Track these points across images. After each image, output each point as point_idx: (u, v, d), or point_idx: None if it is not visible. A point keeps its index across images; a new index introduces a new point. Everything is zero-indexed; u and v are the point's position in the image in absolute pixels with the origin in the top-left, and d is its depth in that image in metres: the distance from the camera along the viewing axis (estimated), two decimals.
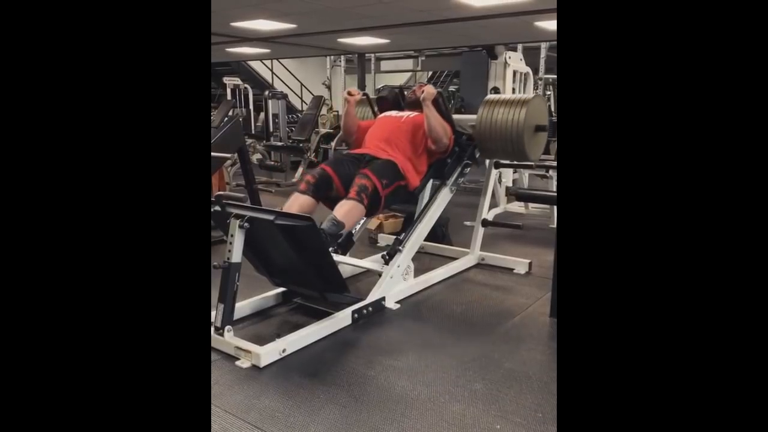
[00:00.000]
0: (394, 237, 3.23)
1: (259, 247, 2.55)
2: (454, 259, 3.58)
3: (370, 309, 2.73)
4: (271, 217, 2.27)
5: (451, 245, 3.91)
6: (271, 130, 8.03)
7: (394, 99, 3.42)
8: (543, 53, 7.99)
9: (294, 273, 2.68)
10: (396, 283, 2.93)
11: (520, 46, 7.71)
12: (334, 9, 4.69)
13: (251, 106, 8.86)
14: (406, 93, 3.40)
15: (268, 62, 11.47)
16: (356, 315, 2.64)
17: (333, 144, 7.17)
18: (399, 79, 11.64)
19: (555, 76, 8.21)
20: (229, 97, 8.79)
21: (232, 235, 2.32)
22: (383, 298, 2.83)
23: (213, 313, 2.33)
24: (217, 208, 2.44)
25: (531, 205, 5.13)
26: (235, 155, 4.57)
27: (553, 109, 7.32)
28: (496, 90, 6.65)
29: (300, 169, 7.04)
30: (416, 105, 3.11)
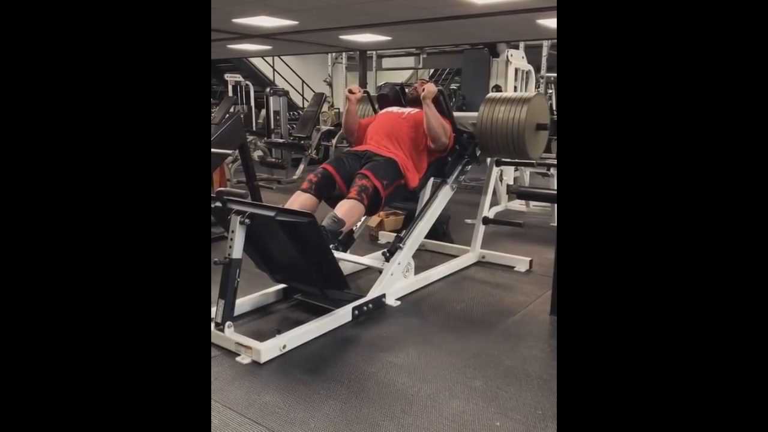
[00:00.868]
0: (395, 234, 3.24)
1: (260, 244, 2.55)
2: (455, 256, 3.58)
3: (371, 306, 2.73)
4: (272, 214, 2.27)
5: (452, 243, 3.91)
6: (272, 127, 8.02)
7: (395, 96, 3.41)
8: (545, 51, 7.97)
9: (295, 270, 2.69)
10: (396, 281, 2.93)
11: (521, 44, 7.69)
12: (335, 6, 4.69)
13: (252, 103, 8.85)
14: (407, 90, 3.39)
15: (269, 59, 11.46)
16: (356, 312, 2.64)
17: (334, 141, 7.17)
18: (400, 77, 11.62)
19: (557, 74, 8.19)
20: (230, 93, 8.78)
21: (233, 232, 2.32)
22: (384, 295, 2.83)
23: (214, 309, 2.34)
24: (219, 204, 2.44)
25: (532, 203, 5.12)
26: (237, 152, 4.57)
27: (554, 107, 7.31)
28: (497, 88, 6.64)
29: (301, 167, 7.04)
30: (417, 102, 3.11)
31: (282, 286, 2.89)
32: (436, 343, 2.39)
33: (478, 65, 7.12)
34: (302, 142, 7.11)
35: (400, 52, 10.70)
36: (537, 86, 7.42)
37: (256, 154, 7.13)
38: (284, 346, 2.26)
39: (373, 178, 2.75)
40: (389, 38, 6.89)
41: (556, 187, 4.49)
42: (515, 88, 6.67)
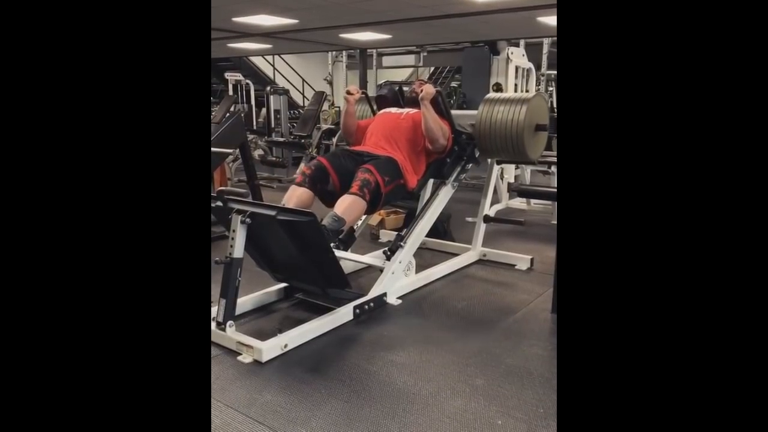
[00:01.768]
0: (396, 233, 3.24)
1: (261, 243, 2.55)
2: (456, 255, 3.58)
3: (372, 305, 2.73)
4: (273, 213, 2.27)
5: (453, 241, 3.91)
6: (273, 125, 8.03)
7: (393, 97, 3.39)
8: (545, 49, 7.96)
9: (296, 269, 2.69)
10: (397, 279, 2.93)
11: (522, 42, 7.68)
12: (335, 4, 4.68)
13: (253, 102, 8.85)
14: (405, 90, 3.37)
15: (269, 58, 11.46)
16: (358, 311, 2.64)
17: (334, 140, 7.16)
18: (401, 75, 11.62)
19: (557, 72, 8.18)
20: (230, 92, 8.78)
21: (234, 231, 2.32)
22: (385, 294, 2.83)
23: (215, 309, 2.34)
24: (219, 203, 2.44)
25: (533, 201, 5.12)
26: (237, 151, 4.57)
27: (555, 105, 7.30)
28: (498, 86, 6.63)
29: (302, 165, 7.03)
30: (416, 103, 3.08)
31: (283, 285, 2.89)
32: (437, 341, 2.39)
33: (478, 63, 7.12)
34: (303, 140, 7.11)
35: (401, 51, 10.69)
36: (537, 84, 7.41)
37: (257, 153, 7.14)
38: (285, 345, 2.26)
39: (376, 173, 2.72)
40: (389, 36, 6.88)
41: (556, 185, 4.49)
42: (516, 86, 6.65)
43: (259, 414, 1.82)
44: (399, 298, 2.90)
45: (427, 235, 3.28)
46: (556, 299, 2.75)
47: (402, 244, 2.97)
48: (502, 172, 5.36)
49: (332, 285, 2.65)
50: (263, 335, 2.33)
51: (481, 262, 3.62)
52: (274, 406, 1.87)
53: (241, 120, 4.49)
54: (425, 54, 10.54)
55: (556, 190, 3.06)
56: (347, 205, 2.63)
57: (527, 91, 7.11)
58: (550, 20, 5.36)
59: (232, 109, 7.22)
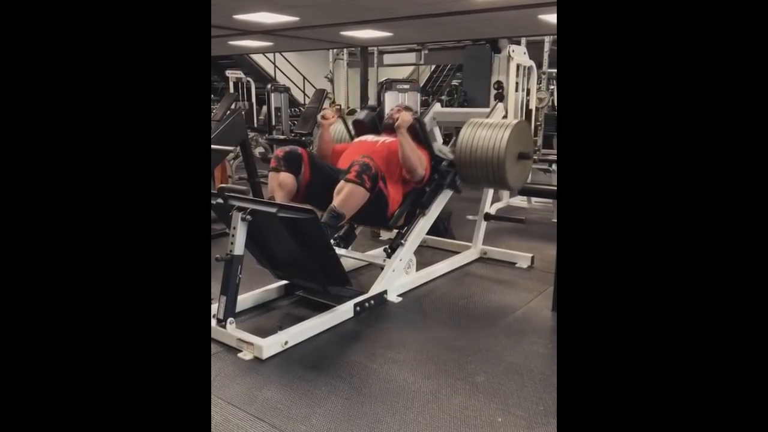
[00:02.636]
0: (397, 231, 3.23)
1: (262, 240, 2.56)
2: (457, 253, 3.58)
3: (372, 302, 2.73)
4: (274, 210, 2.27)
5: (454, 239, 3.91)
6: (274, 123, 8.02)
7: (371, 123, 3.25)
8: (546, 47, 7.95)
9: (296, 266, 2.69)
10: (398, 277, 2.93)
11: (523, 40, 7.68)
12: (336, 1, 4.68)
13: (254, 100, 8.85)
14: (385, 115, 3.21)
15: (270, 55, 11.45)
16: (358, 308, 2.64)
17: None
18: (402, 73, 11.61)
19: (557, 70, 8.17)
20: (231, 90, 8.79)
21: (234, 228, 2.32)
22: (385, 292, 2.83)
23: (216, 306, 2.34)
24: (220, 200, 2.44)
25: (534, 199, 5.12)
26: (238, 148, 4.57)
27: (555, 103, 7.29)
28: (499, 84, 6.62)
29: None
30: (393, 129, 2.90)
31: (284, 282, 2.89)
32: (437, 339, 2.39)
33: (479, 61, 7.11)
34: (303, 138, 7.11)
35: (402, 48, 10.68)
36: (539, 82, 7.39)
37: (258, 151, 7.13)
38: (286, 343, 2.26)
39: (375, 162, 2.60)
40: (390, 34, 6.88)
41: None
42: (517, 84, 6.64)
43: (259, 411, 1.83)
44: (399, 295, 2.90)
45: (427, 233, 3.28)
46: (556, 297, 2.75)
47: (403, 241, 2.97)
48: None
49: (333, 282, 2.65)
50: (264, 332, 2.33)
51: (482, 260, 3.62)
52: (274, 403, 1.87)
53: (241, 118, 4.49)
54: (426, 52, 10.54)
55: (556, 188, 3.05)
56: (345, 196, 2.51)
57: (528, 89, 7.11)
58: (552, 18, 5.35)
59: (233, 106, 7.21)
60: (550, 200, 4.76)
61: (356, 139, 3.19)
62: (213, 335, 2.31)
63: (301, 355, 2.22)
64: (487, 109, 3.55)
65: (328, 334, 2.44)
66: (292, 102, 10.18)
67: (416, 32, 6.86)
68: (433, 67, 12.41)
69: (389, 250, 2.96)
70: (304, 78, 12.20)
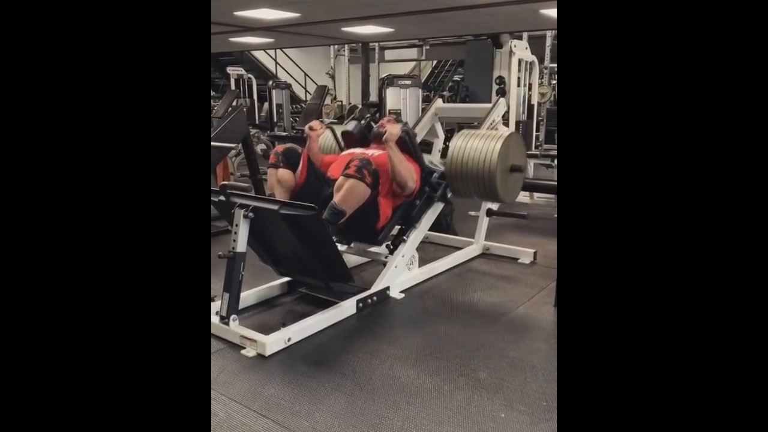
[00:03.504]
0: (399, 227, 3.23)
1: (264, 237, 2.56)
2: (459, 248, 3.58)
3: (375, 298, 2.73)
4: (276, 207, 2.27)
5: (456, 235, 3.91)
6: (275, 120, 8.02)
7: (360, 134, 3.19)
8: (548, 42, 7.92)
9: (299, 262, 2.69)
10: (400, 273, 2.93)
11: (525, 35, 7.64)
12: None
13: (255, 96, 8.86)
14: (374, 126, 3.14)
15: (271, 52, 11.44)
16: (361, 304, 2.65)
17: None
18: (403, 69, 11.58)
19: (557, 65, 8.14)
20: (232, 87, 8.79)
21: (236, 225, 2.32)
22: (388, 288, 2.84)
23: (218, 303, 2.35)
24: (222, 198, 2.44)
25: (536, 194, 5.11)
26: (240, 145, 4.57)
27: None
28: (501, 79, 6.61)
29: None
30: (382, 140, 2.82)
31: (286, 279, 2.89)
32: (440, 335, 2.39)
33: (481, 56, 7.09)
34: (305, 135, 7.10)
35: (403, 44, 10.67)
36: (541, 77, 7.37)
37: (259, 148, 7.12)
38: (289, 339, 2.27)
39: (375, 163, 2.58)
40: (392, 30, 6.86)
41: None
42: (519, 79, 6.63)
43: (262, 407, 1.83)
44: (402, 291, 2.90)
45: (430, 229, 3.28)
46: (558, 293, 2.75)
47: (405, 238, 2.97)
48: None
49: (335, 279, 2.65)
50: (266, 329, 2.34)
51: (484, 255, 3.62)
52: (277, 400, 1.87)
53: (243, 114, 4.49)
54: (428, 47, 10.51)
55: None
56: (345, 192, 2.50)
57: (530, 84, 7.09)
58: (553, 13, 5.33)
59: (234, 103, 7.21)
60: (553, 196, 4.75)
61: (345, 152, 3.11)
62: (216, 332, 2.31)
63: (304, 352, 2.23)
64: (489, 105, 3.54)
65: (331, 330, 2.44)
66: (294, 98, 10.19)
67: (417, 28, 6.84)
68: (435, 62, 12.38)
69: (391, 247, 2.96)
70: (306, 74, 12.19)
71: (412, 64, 12.14)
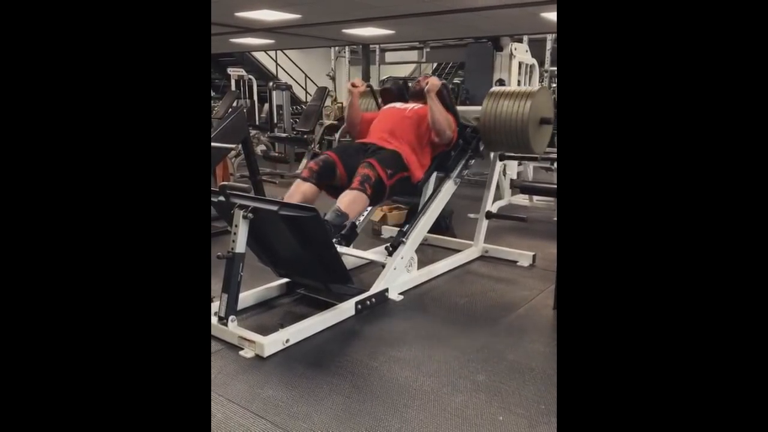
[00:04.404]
0: (398, 229, 3.23)
1: (263, 238, 2.56)
2: (458, 251, 3.58)
3: (374, 300, 2.73)
4: (275, 208, 2.27)
5: (455, 237, 3.90)
6: (275, 121, 8.02)
7: (398, 91, 3.41)
8: (549, 45, 7.93)
9: (298, 264, 2.69)
10: (399, 275, 2.93)
11: (525, 38, 7.65)
12: None
13: (255, 97, 8.85)
14: (410, 84, 3.39)
15: (272, 53, 11.44)
16: (359, 306, 2.64)
17: (337, 135, 7.15)
18: (404, 71, 11.59)
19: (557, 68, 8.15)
20: (233, 88, 8.78)
21: (236, 226, 2.32)
22: (387, 290, 2.83)
23: (217, 304, 2.34)
24: (222, 198, 2.44)
25: (535, 197, 5.11)
26: (240, 146, 4.57)
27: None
28: (501, 82, 6.60)
29: (304, 161, 7.03)
30: (420, 96, 3.12)
31: (285, 280, 2.89)
32: (439, 337, 2.39)
33: (481, 59, 7.08)
34: (305, 136, 7.10)
35: (404, 46, 10.66)
36: (541, 80, 7.38)
37: (259, 149, 7.13)
38: (287, 340, 2.26)
39: (378, 166, 2.74)
40: (392, 32, 6.87)
41: None
42: (519, 82, 6.63)
43: (260, 408, 1.83)
44: (401, 293, 2.90)
45: (429, 231, 3.28)
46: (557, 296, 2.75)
47: (404, 239, 2.97)
48: (504, 169, 5.35)
49: (334, 280, 2.65)
50: (265, 330, 2.33)
51: (483, 258, 3.61)
52: (275, 401, 1.87)
53: (243, 115, 4.49)
54: (428, 50, 10.50)
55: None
56: (350, 200, 2.64)
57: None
58: (554, 16, 5.33)
59: (234, 104, 7.21)
60: (552, 199, 4.75)
61: (385, 107, 3.32)
62: (214, 333, 2.31)
63: (302, 353, 2.22)
64: None
65: (330, 332, 2.44)
66: (294, 100, 10.19)
67: (418, 30, 6.85)
68: (435, 65, 12.37)
69: (390, 248, 2.96)
70: (306, 76, 12.19)
71: (413, 66, 12.15)
